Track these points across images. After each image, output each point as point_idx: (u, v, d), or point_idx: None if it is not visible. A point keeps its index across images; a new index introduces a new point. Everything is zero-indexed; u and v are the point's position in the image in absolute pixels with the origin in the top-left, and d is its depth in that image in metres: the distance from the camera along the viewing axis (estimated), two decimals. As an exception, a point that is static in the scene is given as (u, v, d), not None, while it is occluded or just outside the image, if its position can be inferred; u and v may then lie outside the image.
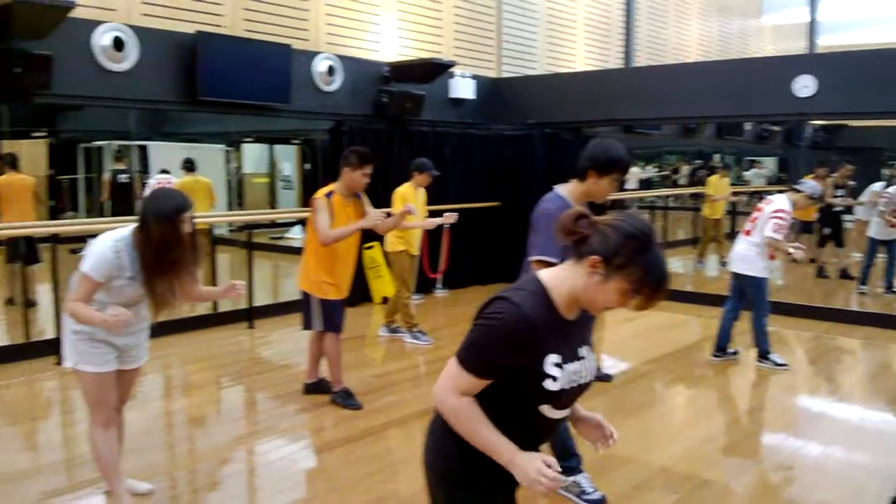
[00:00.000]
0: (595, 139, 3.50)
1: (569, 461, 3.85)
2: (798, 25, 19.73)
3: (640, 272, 1.76)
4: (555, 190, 3.52)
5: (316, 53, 8.37)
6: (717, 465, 4.43)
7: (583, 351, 1.94)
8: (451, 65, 9.23)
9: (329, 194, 5.01)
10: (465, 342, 1.85)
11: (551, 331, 1.82)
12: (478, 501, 1.98)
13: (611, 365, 6.42)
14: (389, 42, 9.58)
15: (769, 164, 19.10)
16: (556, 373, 1.83)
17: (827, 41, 18.79)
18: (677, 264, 12.72)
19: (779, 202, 6.15)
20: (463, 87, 9.91)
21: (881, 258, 9.36)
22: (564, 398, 1.90)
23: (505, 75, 11.12)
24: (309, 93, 8.26)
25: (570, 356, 1.88)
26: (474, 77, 10.08)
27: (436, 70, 9.06)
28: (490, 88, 10.51)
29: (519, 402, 1.87)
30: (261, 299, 8.11)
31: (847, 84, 7.96)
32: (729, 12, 17.01)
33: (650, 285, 1.77)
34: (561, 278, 1.86)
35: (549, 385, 1.83)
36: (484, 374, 1.82)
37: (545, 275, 1.89)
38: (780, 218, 6.04)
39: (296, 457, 4.48)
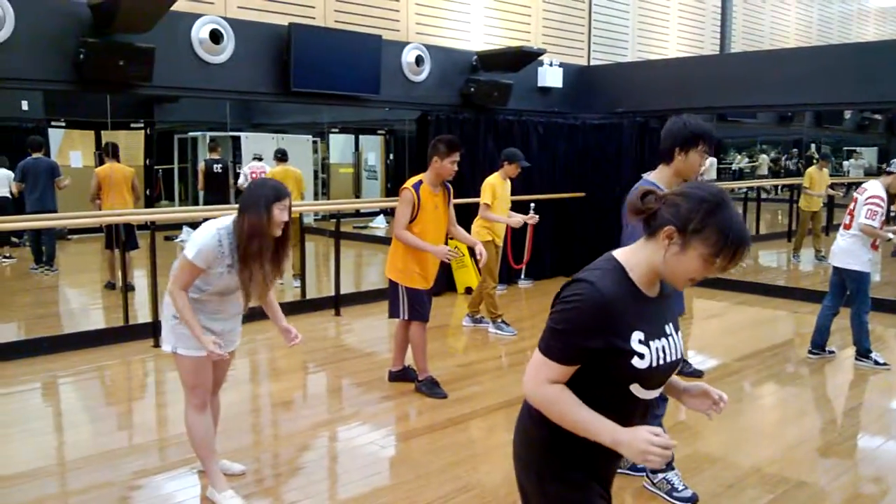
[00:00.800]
0: (670, 119, 3.45)
1: None
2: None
3: (718, 233, 1.70)
4: (644, 178, 3.45)
5: (405, 44, 8.41)
6: (812, 467, 4.26)
7: (669, 328, 1.88)
8: (540, 53, 9.13)
9: (417, 185, 5.03)
10: (546, 330, 1.82)
11: (632, 307, 1.77)
12: (569, 493, 1.93)
13: (700, 361, 6.24)
14: (478, 31, 9.55)
15: (868, 155, 18.20)
16: (643, 350, 1.78)
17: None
18: (770, 258, 12.29)
19: (872, 188, 5.89)
20: (551, 76, 9.79)
21: None
22: (654, 377, 1.84)
23: (594, 63, 10.93)
24: (397, 83, 8.31)
25: (654, 333, 1.82)
26: (562, 65, 9.94)
27: (525, 58, 8.97)
28: (578, 76, 10.35)
29: (609, 385, 1.81)
30: (346, 287, 8.23)
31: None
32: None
33: (730, 244, 1.71)
34: (638, 255, 1.82)
35: (637, 363, 1.77)
36: (568, 360, 1.78)
37: (620, 253, 1.85)
38: (875, 203, 5.80)
39: (381, 443, 4.52)
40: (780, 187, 16.72)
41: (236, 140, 13.71)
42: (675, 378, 2.02)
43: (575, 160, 9.91)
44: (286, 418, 4.97)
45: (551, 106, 9.96)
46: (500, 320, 7.04)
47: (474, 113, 8.97)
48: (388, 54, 8.09)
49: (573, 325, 1.74)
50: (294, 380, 5.85)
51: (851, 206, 6.05)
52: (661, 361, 1.83)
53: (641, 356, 1.77)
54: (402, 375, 5.47)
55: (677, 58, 11.65)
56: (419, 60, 8.44)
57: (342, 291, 7.88)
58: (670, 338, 1.87)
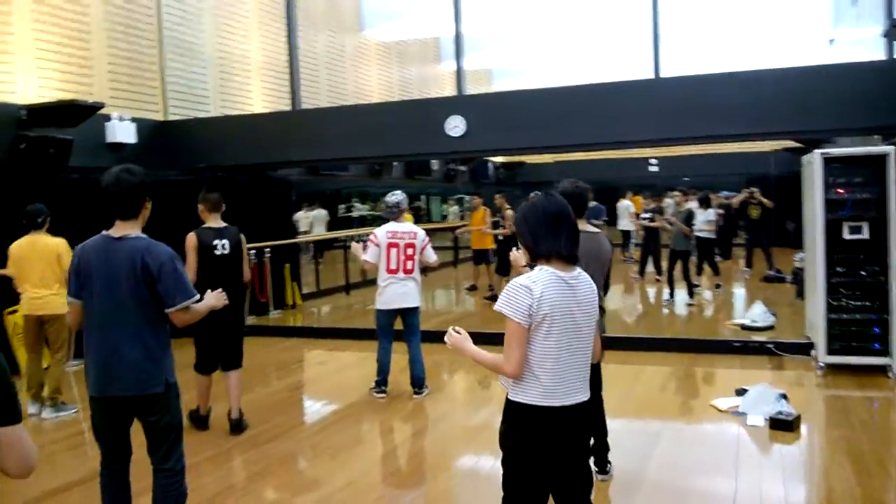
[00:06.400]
0: (117, 177, 3.49)
1: None
2: (476, 72, 21.27)
3: None
4: (142, 237, 3.41)
5: (-71, 95, 7.29)
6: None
7: None
8: (98, 107, 8.48)
9: None
10: None
11: None
12: None
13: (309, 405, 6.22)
14: (29, 82, 8.64)
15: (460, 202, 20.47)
16: None
17: (498, 86, 20.45)
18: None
19: (419, 230, 6.46)
20: (122, 131, 9.25)
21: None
22: None
23: (173, 118, 10.52)
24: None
25: None
26: (134, 120, 9.44)
27: (81, 113, 8.29)
28: (155, 131, 9.95)
29: None
30: None
31: (493, 123, 8.58)
32: (407, 59, 17.84)
33: None
34: None
35: None
36: None
37: None
38: (428, 241, 6.44)
39: None
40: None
41: None
42: None
43: (151, 217, 9.40)
44: None
45: (125, 162, 9.35)
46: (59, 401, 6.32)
47: (30, 173, 8.06)
48: None
49: None
50: None
51: (410, 252, 6.37)
52: None
53: None
54: None
55: (256, 113, 11.67)
56: (-48, 114, 7.40)
57: None
58: None
